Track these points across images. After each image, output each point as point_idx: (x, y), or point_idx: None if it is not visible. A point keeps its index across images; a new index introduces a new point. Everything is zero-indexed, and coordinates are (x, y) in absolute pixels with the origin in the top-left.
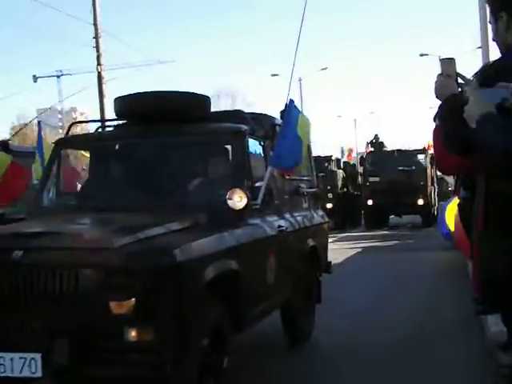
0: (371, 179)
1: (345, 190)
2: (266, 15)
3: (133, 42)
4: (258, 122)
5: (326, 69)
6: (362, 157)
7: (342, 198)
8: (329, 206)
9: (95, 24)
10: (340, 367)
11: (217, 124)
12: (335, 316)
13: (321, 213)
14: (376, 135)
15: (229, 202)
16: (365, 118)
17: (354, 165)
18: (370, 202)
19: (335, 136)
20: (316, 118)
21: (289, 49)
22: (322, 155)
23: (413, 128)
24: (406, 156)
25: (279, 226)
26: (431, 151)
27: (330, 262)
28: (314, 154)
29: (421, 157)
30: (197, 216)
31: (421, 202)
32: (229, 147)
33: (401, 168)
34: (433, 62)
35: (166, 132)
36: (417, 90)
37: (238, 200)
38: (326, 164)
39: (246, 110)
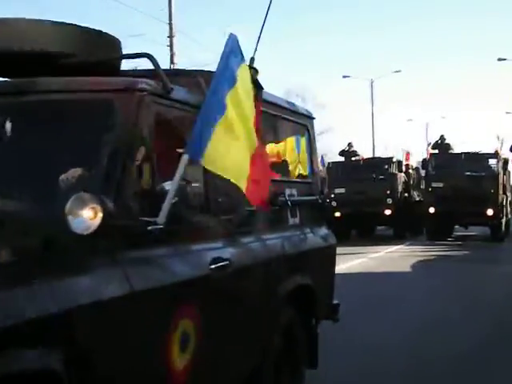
0: (434, 184)
1: (406, 195)
2: (340, 17)
3: (203, 39)
4: (192, 84)
5: (399, 71)
6: (424, 159)
7: (403, 203)
8: (387, 212)
9: (170, 24)
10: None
11: (95, 78)
12: (393, 325)
13: (324, 231)
14: (442, 136)
15: (69, 220)
16: (436, 122)
17: (418, 168)
18: (431, 210)
19: (406, 140)
20: (387, 120)
21: (361, 51)
22: (383, 156)
23: (487, 134)
24: (475, 160)
25: (216, 260)
26: (504, 155)
27: (338, 305)
28: (377, 155)
29: (492, 161)
30: (14, 245)
31: (490, 212)
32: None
33: (468, 173)
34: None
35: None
36: (492, 95)
37: (88, 216)
38: (386, 166)
39: (317, 112)
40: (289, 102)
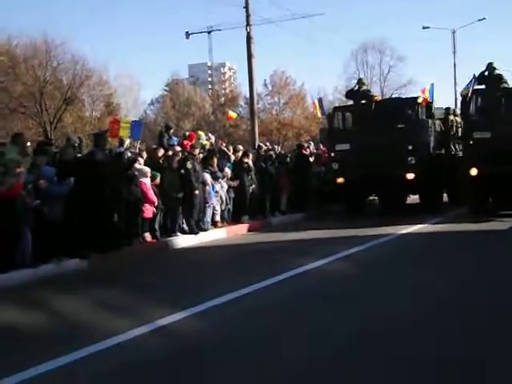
0: (477, 134)
1: (442, 150)
2: None
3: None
4: None
5: (484, 19)
6: (463, 99)
7: (436, 163)
8: (409, 176)
9: None
10: None
11: None
12: None
13: None
14: (490, 64)
15: None
16: None
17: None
18: (473, 172)
19: None
20: (471, 71)
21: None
22: (404, 97)
23: None
24: None
25: None
26: None
27: None
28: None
29: None
30: None
31: None
32: None
33: None
34: None
35: None
36: None
37: None
38: (409, 111)
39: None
40: None
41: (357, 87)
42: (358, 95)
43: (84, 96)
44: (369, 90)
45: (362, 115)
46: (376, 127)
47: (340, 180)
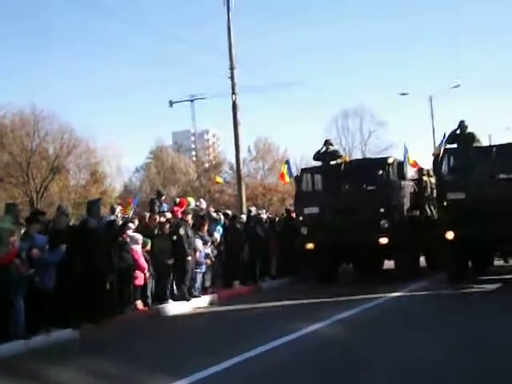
0: (451, 195)
1: (415, 212)
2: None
3: (261, 67)
4: None
5: (458, 86)
6: (435, 158)
7: (410, 226)
8: (383, 240)
9: (230, 56)
10: None
11: None
12: None
13: None
14: (462, 122)
15: None
16: (500, 134)
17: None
18: (449, 236)
19: None
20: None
21: (417, 68)
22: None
23: None
24: None
25: None
26: None
27: None
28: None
29: None
30: None
31: None
32: None
33: (504, 176)
34: None
35: None
36: None
37: None
38: (380, 171)
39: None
40: None
41: (324, 148)
42: (327, 156)
43: (70, 165)
44: (337, 151)
45: (331, 177)
46: (346, 189)
47: (310, 246)
